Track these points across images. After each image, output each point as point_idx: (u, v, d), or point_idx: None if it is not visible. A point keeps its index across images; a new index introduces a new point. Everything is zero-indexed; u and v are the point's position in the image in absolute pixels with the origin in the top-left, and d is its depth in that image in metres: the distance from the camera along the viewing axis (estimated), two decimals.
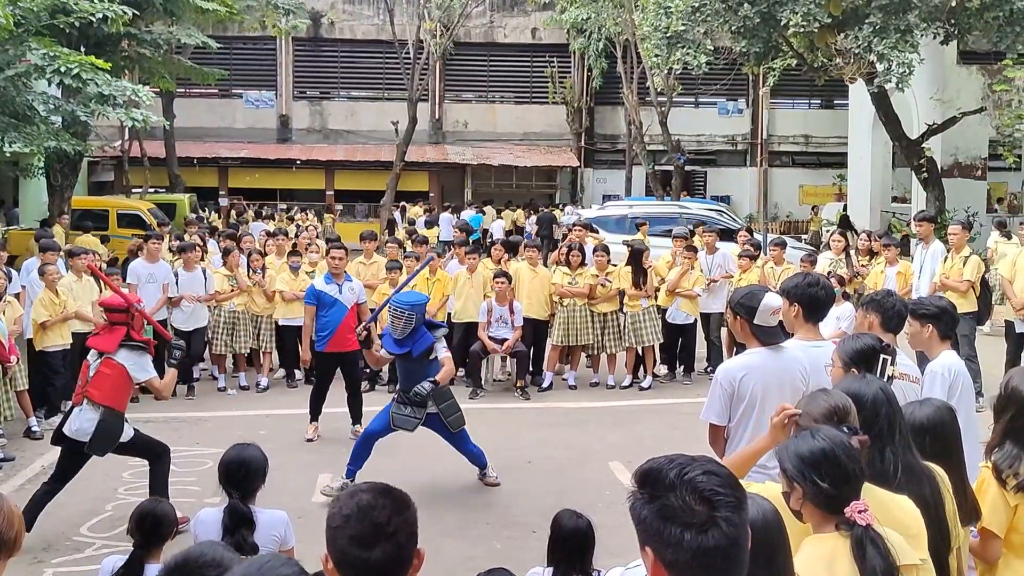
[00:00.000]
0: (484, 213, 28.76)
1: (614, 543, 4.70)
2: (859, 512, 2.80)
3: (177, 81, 23.27)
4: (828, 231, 25.38)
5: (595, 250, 12.24)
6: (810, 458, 2.85)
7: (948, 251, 11.23)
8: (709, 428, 4.64)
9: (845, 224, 25.95)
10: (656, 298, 11.94)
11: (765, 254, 12.54)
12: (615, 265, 12.15)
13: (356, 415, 9.63)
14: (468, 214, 27.68)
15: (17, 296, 10.30)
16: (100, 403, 6.70)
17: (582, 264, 11.95)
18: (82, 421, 6.74)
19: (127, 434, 6.91)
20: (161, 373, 7.44)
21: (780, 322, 4.75)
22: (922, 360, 5.30)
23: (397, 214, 28.79)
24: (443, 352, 7.82)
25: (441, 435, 7.95)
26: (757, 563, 2.31)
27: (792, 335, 4.86)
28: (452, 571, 6.24)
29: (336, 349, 9.50)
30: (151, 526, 4.16)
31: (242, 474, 4.48)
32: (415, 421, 7.69)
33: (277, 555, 2.32)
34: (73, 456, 6.85)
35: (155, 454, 7.10)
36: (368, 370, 10.97)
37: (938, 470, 3.43)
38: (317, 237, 15.70)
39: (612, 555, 4.23)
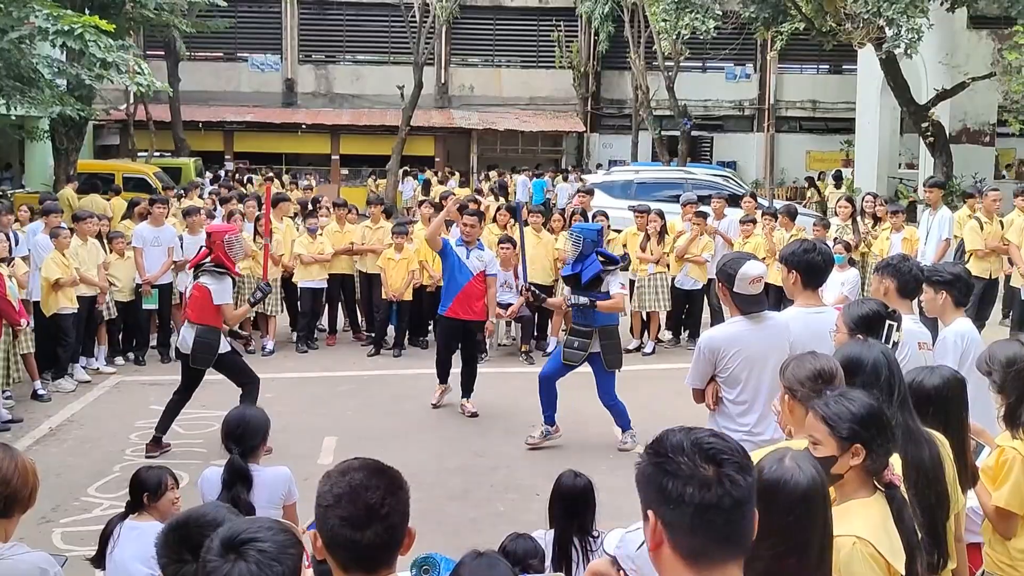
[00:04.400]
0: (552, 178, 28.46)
1: (616, 505, 4.74)
2: (894, 474, 2.82)
3: (184, 41, 23.10)
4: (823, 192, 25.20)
5: (595, 215, 12.21)
6: (869, 418, 2.80)
7: (971, 216, 11.39)
8: (692, 391, 4.90)
9: (838, 178, 25.80)
10: (668, 267, 11.94)
11: (774, 220, 12.36)
12: (618, 231, 12.12)
13: (467, 388, 9.32)
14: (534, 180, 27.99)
15: (24, 259, 10.30)
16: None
17: None
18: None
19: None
20: None
21: (763, 291, 4.80)
22: (935, 327, 5.31)
23: (424, 178, 28.42)
24: (616, 288, 7.97)
25: (595, 374, 8.13)
26: (815, 516, 2.43)
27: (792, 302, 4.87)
28: (456, 531, 6.31)
29: (461, 316, 9.13)
30: (135, 488, 4.34)
31: (241, 431, 4.64)
32: (581, 355, 7.97)
33: (273, 519, 2.32)
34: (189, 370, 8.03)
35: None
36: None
37: (939, 436, 3.45)
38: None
39: (614, 518, 4.25)
